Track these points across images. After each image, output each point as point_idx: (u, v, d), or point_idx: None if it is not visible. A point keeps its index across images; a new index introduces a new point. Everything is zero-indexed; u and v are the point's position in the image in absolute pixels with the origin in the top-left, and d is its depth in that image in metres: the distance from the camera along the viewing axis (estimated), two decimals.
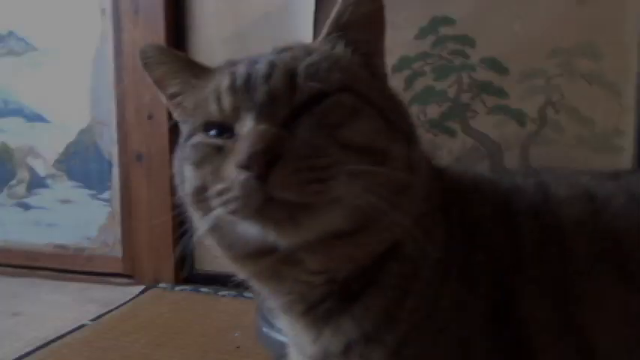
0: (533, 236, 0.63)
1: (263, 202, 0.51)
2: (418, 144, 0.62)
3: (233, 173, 0.52)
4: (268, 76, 0.57)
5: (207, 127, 0.60)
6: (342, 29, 0.63)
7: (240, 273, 0.66)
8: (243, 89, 0.57)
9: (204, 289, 1.73)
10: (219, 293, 1.69)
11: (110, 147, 1.89)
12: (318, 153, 0.52)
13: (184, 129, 0.66)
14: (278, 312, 0.69)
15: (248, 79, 0.58)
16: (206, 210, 0.57)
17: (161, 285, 1.79)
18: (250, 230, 0.55)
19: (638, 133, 1.42)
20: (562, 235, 0.63)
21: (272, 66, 0.58)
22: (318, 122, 0.54)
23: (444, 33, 1.52)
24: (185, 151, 0.63)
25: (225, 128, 0.58)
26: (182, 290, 1.74)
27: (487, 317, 0.59)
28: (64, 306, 1.66)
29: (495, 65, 1.50)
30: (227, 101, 0.57)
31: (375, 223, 0.56)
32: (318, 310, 0.62)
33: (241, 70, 0.59)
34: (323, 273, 0.60)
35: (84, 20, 1.86)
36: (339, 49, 0.62)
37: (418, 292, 0.58)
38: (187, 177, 0.62)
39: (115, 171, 1.88)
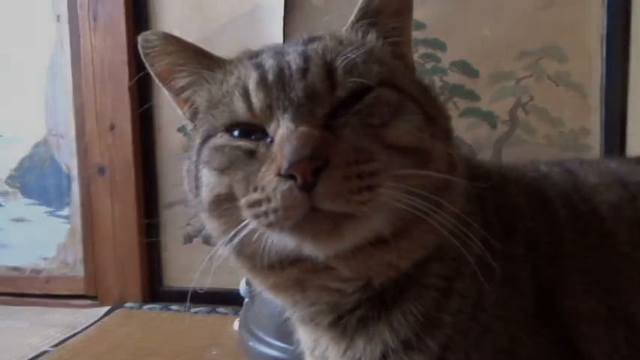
0: (571, 224, 0.61)
1: (306, 213, 0.46)
2: (454, 139, 0.59)
3: (272, 182, 0.47)
4: (305, 71, 0.52)
5: (231, 127, 0.54)
6: (373, 16, 0.58)
7: (259, 284, 0.61)
8: (276, 85, 0.51)
9: (174, 307, 1.66)
10: (192, 310, 1.62)
11: (69, 160, 1.79)
12: (365, 157, 0.47)
13: (199, 128, 0.59)
14: (297, 323, 0.64)
15: (281, 74, 0.52)
16: (232, 221, 0.52)
17: (128, 304, 1.70)
18: (284, 242, 0.50)
19: (604, 132, 1.46)
20: (601, 222, 0.61)
21: (306, 59, 0.53)
22: (363, 122, 0.49)
23: (415, 37, 1.53)
24: (203, 154, 0.56)
25: (254, 129, 0.53)
26: (151, 309, 1.67)
27: (531, 312, 0.57)
28: (22, 332, 1.54)
29: (466, 68, 1.52)
30: (258, 99, 0.52)
31: (418, 227, 0.52)
32: (349, 319, 0.57)
33: (270, 62, 0.54)
34: (357, 280, 0.56)
35: (38, 27, 1.77)
36: (371, 38, 0.57)
37: (461, 292, 0.55)
38: (206, 182, 0.55)
39: (75, 186, 1.78)
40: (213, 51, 1.89)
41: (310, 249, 0.50)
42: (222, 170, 0.53)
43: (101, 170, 1.73)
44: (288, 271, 0.55)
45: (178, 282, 1.73)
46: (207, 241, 1.90)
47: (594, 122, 1.48)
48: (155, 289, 1.73)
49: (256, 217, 0.48)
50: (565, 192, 0.64)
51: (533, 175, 0.67)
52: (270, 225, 0.48)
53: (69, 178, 1.79)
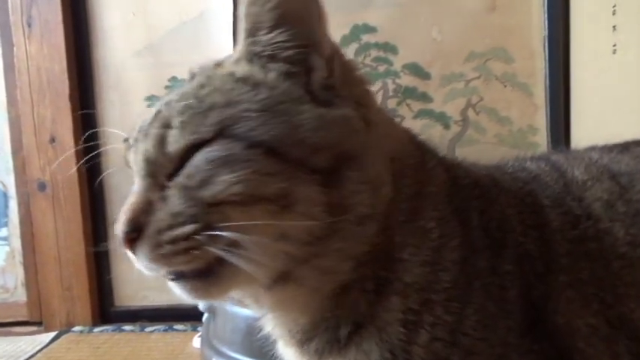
0: (566, 234, 0.57)
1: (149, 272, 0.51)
2: (370, 166, 0.53)
3: None
4: (147, 131, 0.52)
5: None
6: (253, 34, 0.54)
7: None
8: (133, 147, 0.54)
9: (128, 327, 1.58)
10: (147, 330, 1.56)
11: (5, 177, 1.68)
12: (180, 221, 0.48)
13: None
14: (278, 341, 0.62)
15: (137, 135, 0.54)
16: None
17: (76, 328, 1.61)
18: None
19: (549, 130, 1.52)
20: (596, 224, 0.58)
21: (155, 114, 0.53)
22: (184, 185, 0.49)
23: (367, 40, 1.54)
24: None
25: None
26: (102, 332, 1.59)
27: (520, 331, 0.53)
28: None
29: (418, 71, 1.54)
30: (128, 157, 0.55)
31: (298, 273, 0.52)
32: (308, 348, 0.55)
33: (143, 118, 0.54)
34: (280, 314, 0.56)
35: None
36: (255, 65, 0.54)
37: (432, 322, 0.52)
38: None
39: (13, 204, 1.67)
40: (158, 59, 1.82)
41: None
42: None
43: (41, 186, 1.64)
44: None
45: (131, 301, 1.66)
46: None
47: (540, 120, 1.53)
48: (105, 310, 1.65)
49: None
50: (557, 196, 0.60)
51: (525, 178, 0.63)
52: None
53: (5, 196, 1.69)
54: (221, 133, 0.50)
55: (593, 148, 0.69)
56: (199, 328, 1.45)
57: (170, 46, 1.59)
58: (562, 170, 0.63)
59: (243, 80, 0.53)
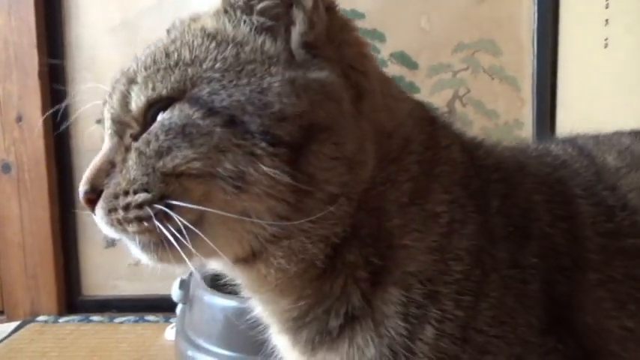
0: (599, 227, 0.53)
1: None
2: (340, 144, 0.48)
3: None
4: (114, 87, 0.51)
5: None
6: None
7: None
8: (105, 105, 0.52)
9: (96, 318, 1.53)
10: (116, 320, 1.50)
11: None
12: (134, 188, 0.47)
13: None
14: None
15: (111, 87, 0.52)
16: None
17: (41, 318, 1.54)
18: None
19: (535, 125, 1.51)
20: (632, 216, 0.53)
21: (124, 72, 0.51)
22: (141, 150, 0.47)
23: None
24: None
25: None
26: (68, 322, 1.53)
27: (540, 330, 0.49)
28: None
29: (405, 60, 1.52)
30: (102, 114, 0.53)
31: (265, 252, 0.49)
32: (298, 337, 0.52)
33: (116, 74, 0.52)
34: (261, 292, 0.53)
35: None
36: (228, 17, 0.50)
37: (439, 317, 0.48)
38: None
39: None
40: (135, 37, 1.73)
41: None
42: None
43: (6, 167, 1.56)
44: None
45: (100, 290, 1.60)
46: None
47: (526, 115, 1.53)
48: (72, 299, 1.60)
49: None
50: (588, 184, 0.55)
51: (550, 162, 0.58)
52: None
53: None
54: (181, 94, 0.47)
55: (621, 134, 0.64)
56: (172, 320, 1.42)
57: (147, 23, 1.52)
58: (592, 156, 0.59)
59: (212, 36, 0.49)
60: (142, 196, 0.46)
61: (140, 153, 0.47)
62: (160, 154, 0.46)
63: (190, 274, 1.18)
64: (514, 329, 0.48)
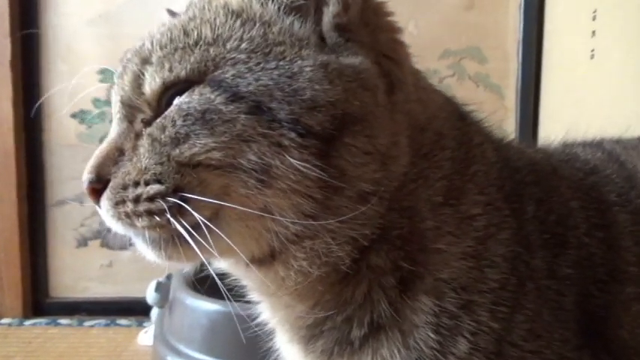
0: (636, 236, 0.50)
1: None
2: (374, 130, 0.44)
3: None
4: (125, 68, 0.46)
5: None
6: None
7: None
8: (116, 82, 0.47)
9: (64, 321, 1.49)
10: (86, 324, 1.46)
11: None
12: (146, 179, 0.43)
13: None
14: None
15: (121, 67, 0.47)
16: None
17: (4, 321, 1.48)
18: None
19: (519, 133, 1.52)
20: None
21: (137, 50, 0.47)
22: (155, 137, 0.43)
23: None
24: None
25: None
26: (34, 325, 1.48)
27: (575, 345, 0.46)
28: None
29: None
30: (109, 95, 0.48)
31: (285, 253, 0.44)
32: (314, 348, 0.48)
33: (127, 52, 0.47)
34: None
35: None
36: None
37: (473, 329, 0.44)
38: None
39: None
40: (115, 29, 1.68)
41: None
42: None
43: None
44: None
45: (69, 292, 1.55)
46: (107, 243, 1.69)
47: (510, 123, 1.54)
48: (39, 301, 1.55)
49: None
50: (622, 190, 0.52)
51: (581, 167, 0.54)
52: None
53: None
54: (201, 76, 0.42)
55: None
56: (146, 324, 1.38)
57: (129, 15, 1.48)
58: (621, 161, 0.56)
59: (237, 13, 0.45)
60: (154, 188, 0.42)
61: (154, 140, 0.43)
62: (177, 141, 0.42)
63: (168, 276, 1.14)
64: (549, 344, 0.45)
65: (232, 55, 0.43)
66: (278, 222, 0.42)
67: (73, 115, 1.51)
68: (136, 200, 0.42)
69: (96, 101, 1.48)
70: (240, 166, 0.41)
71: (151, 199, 0.42)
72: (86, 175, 0.44)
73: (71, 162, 1.48)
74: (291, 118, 0.41)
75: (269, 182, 0.41)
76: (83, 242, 1.54)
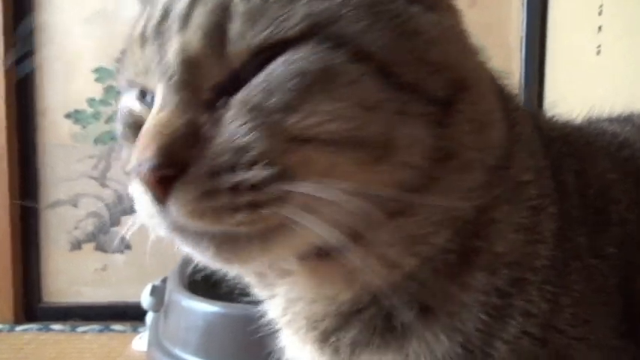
0: None
1: (173, 229, 0.36)
2: (485, 96, 0.41)
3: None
4: (186, 19, 0.37)
5: (130, 84, 0.42)
6: None
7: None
8: (154, 38, 0.38)
9: (57, 327, 1.48)
10: (79, 329, 1.46)
11: None
12: (247, 160, 0.34)
13: None
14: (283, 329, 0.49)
15: (162, 21, 0.38)
16: None
17: None
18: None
19: None
20: None
21: None
22: (255, 104, 0.35)
23: None
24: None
25: (147, 90, 0.40)
26: (26, 330, 1.47)
27: (621, 332, 0.43)
28: None
29: None
30: (137, 57, 0.39)
31: (369, 239, 0.38)
32: (339, 341, 0.42)
33: (162, 2, 0.39)
34: (319, 291, 0.42)
35: None
36: None
37: (523, 310, 0.40)
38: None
39: None
40: (110, 28, 1.66)
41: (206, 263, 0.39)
42: (121, 140, 0.43)
43: None
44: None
45: (62, 296, 1.54)
46: (102, 247, 1.66)
47: None
48: (32, 306, 1.53)
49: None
50: None
51: (611, 139, 0.51)
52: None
53: None
54: (313, 32, 0.35)
55: None
56: (140, 329, 1.36)
57: (124, 14, 1.46)
58: None
59: None
60: (262, 173, 0.33)
61: (253, 108, 0.34)
62: (289, 109, 0.34)
63: (164, 280, 1.11)
64: (594, 330, 0.41)
65: (347, 10, 0.36)
66: (375, 200, 0.35)
67: (67, 115, 1.49)
68: (234, 190, 0.33)
69: (91, 101, 1.47)
70: (360, 139, 0.35)
71: (255, 186, 0.33)
72: (149, 161, 0.34)
73: (65, 163, 1.46)
74: (415, 83, 0.36)
75: (386, 157, 0.36)
76: (77, 245, 1.52)
